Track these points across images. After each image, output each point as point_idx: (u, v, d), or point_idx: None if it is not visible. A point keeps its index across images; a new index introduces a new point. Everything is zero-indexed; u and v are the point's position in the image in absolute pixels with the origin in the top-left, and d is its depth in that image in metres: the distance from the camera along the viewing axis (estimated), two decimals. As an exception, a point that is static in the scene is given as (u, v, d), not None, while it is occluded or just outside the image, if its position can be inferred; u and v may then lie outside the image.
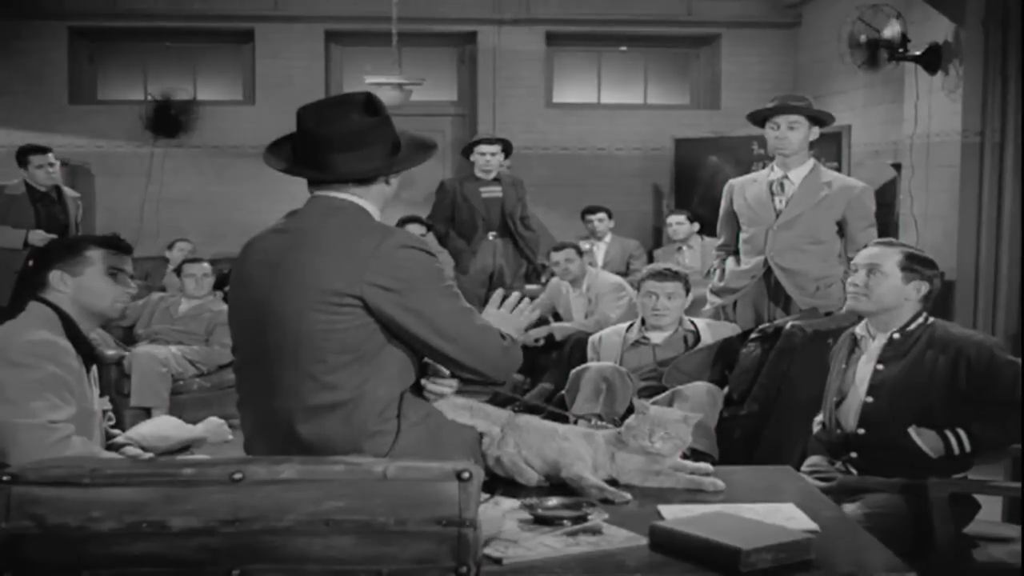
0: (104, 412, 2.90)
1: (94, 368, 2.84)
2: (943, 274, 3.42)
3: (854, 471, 3.10)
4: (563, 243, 6.67)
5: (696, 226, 7.86)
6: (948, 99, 6.61)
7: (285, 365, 2.40)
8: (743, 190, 4.64)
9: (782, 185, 4.54)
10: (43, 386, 2.58)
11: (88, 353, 2.78)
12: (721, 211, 4.79)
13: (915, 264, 3.11)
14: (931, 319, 3.14)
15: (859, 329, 3.22)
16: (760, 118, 4.55)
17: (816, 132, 4.54)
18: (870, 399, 3.08)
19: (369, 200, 2.52)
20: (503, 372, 2.53)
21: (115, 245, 2.87)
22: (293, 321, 2.38)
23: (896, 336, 3.10)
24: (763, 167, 4.85)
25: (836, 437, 3.15)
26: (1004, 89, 6.46)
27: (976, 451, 3.02)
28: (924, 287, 3.11)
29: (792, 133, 4.46)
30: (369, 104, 2.53)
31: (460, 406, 2.55)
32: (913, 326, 3.11)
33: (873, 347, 3.14)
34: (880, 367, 3.09)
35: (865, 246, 3.31)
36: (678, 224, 7.89)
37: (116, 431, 3.00)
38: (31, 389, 2.56)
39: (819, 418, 3.33)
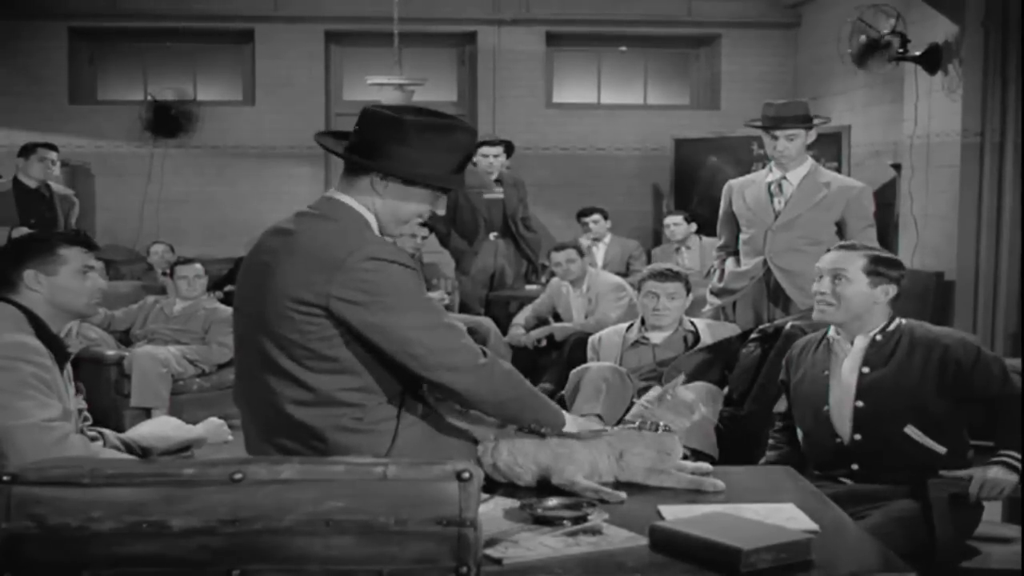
0: (79, 411, 2.87)
1: (68, 367, 2.82)
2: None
3: (858, 480, 3.04)
4: (563, 243, 6.67)
5: (693, 226, 7.86)
6: (948, 99, 6.61)
7: (269, 365, 2.41)
8: (742, 191, 4.65)
9: (780, 186, 4.55)
10: (26, 385, 2.55)
11: (60, 351, 2.76)
12: (720, 212, 4.80)
13: (880, 267, 3.06)
14: (903, 320, 3.11)
15: (831, 333, 3.16)
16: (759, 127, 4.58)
17: (814, 134, 4.56)
18: (860, 403, 3.02)
19: (363, 205, 2.48)
20: (473, 394, 2.41)
21: (85, 243, 2.86)
22: (272, 325, 2.39)
23: (879, 338, 3.06)
24: (763, 167, 4.86)
25: (833, 446, 3.07)
26: (1004, 89, 6.46)
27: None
28: (892, 289, 3.06)
29: (791, 144, 4.49)
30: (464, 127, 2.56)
31: (457, 410, 2.54)
32: (892, 327, 3.07)
33: (855, 351, 3.08)
34: (866, 370, 3.04)
35: None
36: (675, 225, 7.89)
37: (93, 431, 2.98)
38: (14, 390, 2.52)
39: (780, 425, 3.30)
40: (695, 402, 2.59)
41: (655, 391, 2.64)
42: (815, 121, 4.59)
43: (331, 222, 2.46)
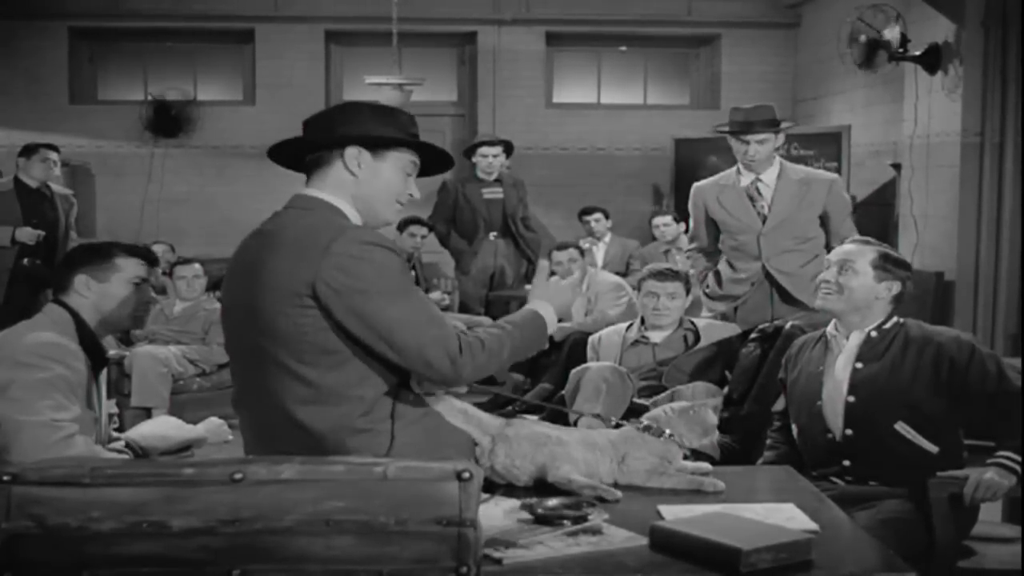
0: (111, 416, 2.91)
1: (104, 372, 2.85)
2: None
3: (849, 479, 3.04)
4: (565, 243, 6.68)
5: (683, 226, 7.87)
6: (948, 99, 6.61)
7: (268, 366, 2.39)
8: (716, 196, 4.63)
9: (758, 189, 4.56)
10: (50, 385, 2.58)
11: (99, 358, 2.78)
12: (694, 216, 4.78)
13: (888, 264, 3.09)
14: (903, 319, 3.12)
15: (830, 329, 3.18)
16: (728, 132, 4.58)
17: (782, 137, 4.58)
18: (852, 398, 3.02)
19: (338, 196, 2.49)
20: (452, 382, 2.42)
21: (145, 256, 2.89)
22: (269, 323, 2.37)
23: (874, 334, 3.07)
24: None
25: (825, 442, 3.07)
26: (1004, 89, 6.46)
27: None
28: (896, 287, 3.08)
29: (762, 147, 4.50)
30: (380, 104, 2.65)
31: (456, 409, 2.54)
32: (889, 324, 3.08)
33: (849, 346, 3.09)
34: (859, 366, 3.04)
35: (844, 239, 3.32)
36: (665, 226, 7.90)
37: (117, 434, 3.00)
38: (37, 388, 2.57)
39: (778, 424, 3.30)
40: (713, 428, 2.59)
41: (682, 402, 2.66)
42: (783, 125, 4.61)
43: (309, 213, 2.46)
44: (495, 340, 2.44)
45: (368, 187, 2.50)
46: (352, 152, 2.49)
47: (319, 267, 2.33)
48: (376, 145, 2.50)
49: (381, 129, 2.52)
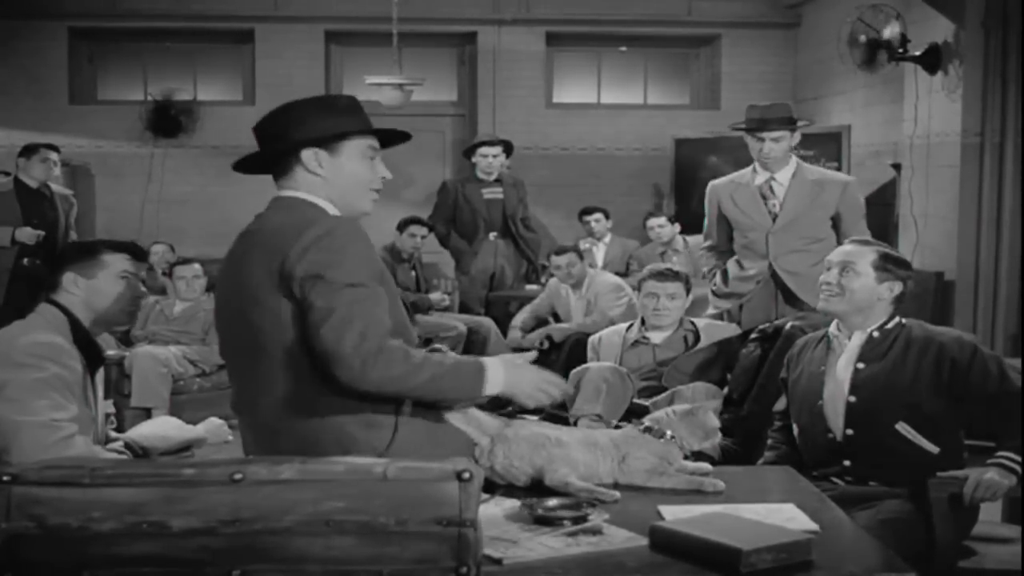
0: (107, 415, 2.91)
1: (100, 371, 2.85)
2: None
3: (849, 479, 3.04)
4: (564, 247, 6.67)
5: (678, 227, 7.88)
6: (948, 99, 6.61)
7: (262, 362, 2.40)
8: (730, 194, 4.64)
9: (771, 188, 4.57)
10: (47, 385, 2.59)
11: (95, 356, 2.78)
12: (708, 215, 4.78)
13: (889, 264, 3.09)
14: (903, 319, 3.12)
15: (832, 329, 3.18)
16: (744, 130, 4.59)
17: (798, 136, 4.58)
18: (853, 398, 3.03)
19: (313, 194, 2.50)
20: (359, 381, 2.29)
21: (131, 251, 2.89)
22: (256, 320, 2.39)
23: (876, 335, 3.07)
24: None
25: (826, 442, 3.07)
26: (1004, 89, 6.46)
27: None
28: (897, 287, 3.08)
29: (777, 145, 4.50)
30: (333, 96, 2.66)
31: (456, 409, 2.54)
32: (891, 325, 3.08)
33: (851, 346, 3.10)
34: (861, 366, 3.05)
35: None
36: (660, 227, 7.91)
37: (116, 434, 3.01)
38: (34, 388, 2.57)
39: (778, 424, 3.30)
40: (714, 431, 2.59)
41: (684, 405, 2.67)
42: (799, 123, 4.62)
43: (284, 211, 2.49)
44: (421, 357, 2.38)
45: (336, 183, 2.52)
46: (308, 155, 2.51)
47: (287, 257, 2.35)
48: (329, 142, 2.51)
49: (328, 124, 2.52)
